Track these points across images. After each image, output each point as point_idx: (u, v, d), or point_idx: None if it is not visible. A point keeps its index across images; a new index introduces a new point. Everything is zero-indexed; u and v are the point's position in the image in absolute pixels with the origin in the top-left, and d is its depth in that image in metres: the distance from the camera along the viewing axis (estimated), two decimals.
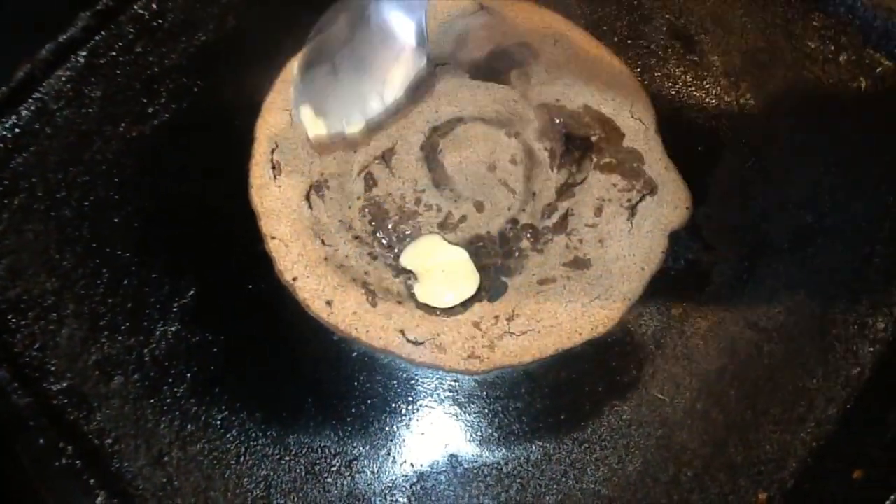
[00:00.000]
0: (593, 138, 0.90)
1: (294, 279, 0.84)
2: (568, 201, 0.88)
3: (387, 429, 0.80)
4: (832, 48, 0.96)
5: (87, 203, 0.88)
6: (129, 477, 0.78)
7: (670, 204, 0.87)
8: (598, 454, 0.80)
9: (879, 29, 0.95)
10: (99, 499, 0.76)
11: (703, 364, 0.83)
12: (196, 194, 0.89)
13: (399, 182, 0.88)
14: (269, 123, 0.91)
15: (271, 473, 0.78)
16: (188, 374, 0.81)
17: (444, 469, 0.79)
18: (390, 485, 0.78)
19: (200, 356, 0.82)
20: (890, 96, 0.93)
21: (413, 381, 0.82)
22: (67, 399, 0.80)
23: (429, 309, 0.83)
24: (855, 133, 0.92)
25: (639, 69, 0.96)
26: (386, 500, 0.78)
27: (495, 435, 0.80)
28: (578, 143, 0.90)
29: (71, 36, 0.95)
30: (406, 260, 0.84)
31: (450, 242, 0.85)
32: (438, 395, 0.81)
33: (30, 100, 0.92)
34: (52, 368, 0.81)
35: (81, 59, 0.95)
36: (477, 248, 0.85)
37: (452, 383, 0.82)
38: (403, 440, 0.80)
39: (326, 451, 0.79)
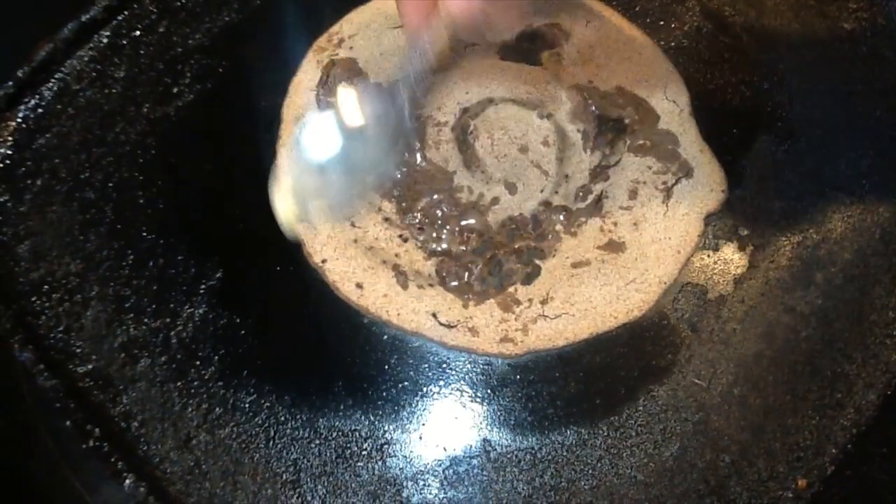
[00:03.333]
0: (627, 120, 0.89)
1: (323, 261, 0.82)
2: (602, 183, 0.86)
3: (418, 412, 0.79)
4: (867, 29, 0.94)
5: (110, 184, 0.86)
6: (157, 460, 0.76)
7: (706, 187, 0.86)
8: (633, 439, 0.78)
9: None
10: (127, 482, 0.75)
11: (739, 349, 0.81)
12: (222, 176, 0.87)
13: (429, 164, 0.86)
14: (297, 104, 0.90)
15: (301, 457, 0.77)
16: (215, 357, 0.80)
17: (476, 453, 0.77)
18: (422, 469, 0.77)
19: (228, 339, 0.81)
20: None
21: (445, 365, 0.80)
22: (93, 381, 0.79)
23: (461, 292, 0.81)
24: (892, 114, 0.90)
25: (672, 51, 0.94)
26: (418, 484, 0.76)
27: (529, 419, 0.79)
28: (612, 125, 0.89)
29: (93, 15, 0.93)
30: None
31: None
32: (471, 378, 0.80)
33: (52, 80, 0.91)
34: (77, 351, 0.80)
35: (104, 39, 0.93)
36: (510, 231, 0.83)
37: (485, 367, 0.80)
38: (435, 424, 0.78)
39: (357, 434, 0.78)
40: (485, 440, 0.78)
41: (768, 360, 0.81)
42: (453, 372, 0.80)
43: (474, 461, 0.77)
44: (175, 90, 0.91)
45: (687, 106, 0.90)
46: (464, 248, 0.84)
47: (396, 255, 0.84)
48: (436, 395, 0.79)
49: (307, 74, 0.92)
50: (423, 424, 0.78)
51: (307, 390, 0.79)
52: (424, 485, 0.76)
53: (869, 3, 0.96)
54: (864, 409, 0.80)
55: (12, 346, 0.79)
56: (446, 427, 0.78)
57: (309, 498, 0.76)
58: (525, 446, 0.78)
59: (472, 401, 0.79)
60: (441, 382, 0.80)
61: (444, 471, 0.77)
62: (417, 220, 0.85)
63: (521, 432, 0.78)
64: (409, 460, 0.77)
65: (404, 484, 0.76)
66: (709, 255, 0.85)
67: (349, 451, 0.77)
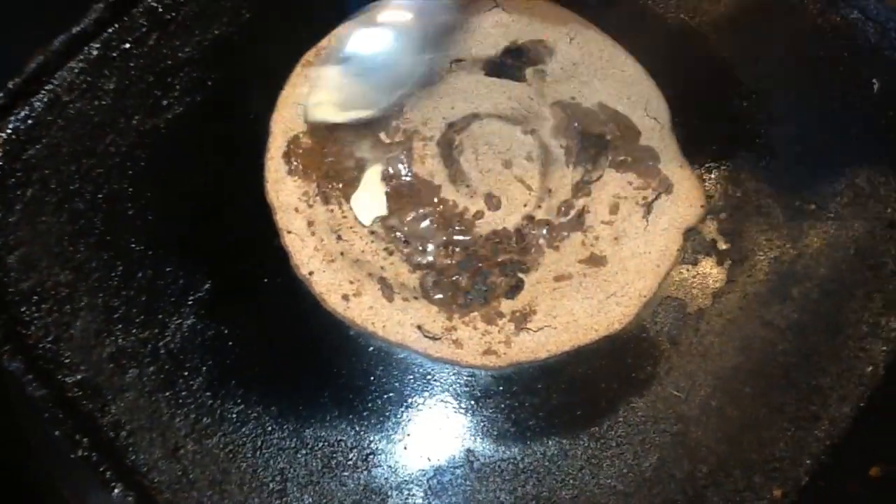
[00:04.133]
0: (608, 136, 0.90)
1: (310, 273, 0.84)
2: (584, 198, 0.88)
3: (403, 423, 0.80)
4: (846, 49, 0.97)
5: (100, 195, 0.87)
6: (145, 469, 0.77)
7: (685, 202, 0.88)
8: (613, 450, 0.80)
9: (893, 32, 0.95)
10: (116, 491, 0.76)
11: (718, 361, 0.83)
12: (211, 188, 0.88)
13: (415, 178, 0.88)
14: (285, 118, 0.91)
15: (287, 467, 0.78)
16: (203, 368, 0.81)
17: (460, 464, 0.79)
18: (407, 479, 0.78)
19: (216, 349, 0.82)
20: None
21: (429, 376, 0.82)
22: (82, 391, 0.80)
23: (446, 304, 0.83)
24: (874, 133, 0.92)
25: (654, 68, 0.95)
26: (402, 493, 0.78)
27: (511, 430, 0.80)
28: (594, 141, 0.91)
29: (84, 28, 0.94)
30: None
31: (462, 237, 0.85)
32: (455, 390, 0.81)
33: (42, 91, 0.91)
34: (67, 360, 0.81)
35: (95, 51, 0.94)
36: (494, 244, 0.85)
37: (469, 378, 0.82)
38: (420, 434, 0.80)
39: (343, 444, 0.79)
40: (468, 450, 0.79)
41: (746, 372, 0.83)
42: (438, 383, 0.82)
43: (458, 471, 0.79)
44: (165, 102, 0.92)
45: (668, 123, 0.92)
46: (449, 262, 0.85)
47: (382, 268, 0.85)
48: (420, 406, 0.81)
49: (295, 88, 0.93)
50: (408, 435, 0.80)
51: (294, 401, 0.80)
52: (409, 494, 0.78)
53: (848, 25, 0.98)
54: (839, 420, 0.82)
55: (2, 355, 0.80)
56: (431, 437, 0.80)
57: None
58: (508, 456, 0.79)
59: (455, 412, 0.81)
60: (426, 394, 0.81)
61: (428, 480, 0.78)
62: (403, 234, 0.86)
63: (503, 443, 0.80)
64: (394, 470, 0.79)
65: (389, 493, 0.78)
66: (688, 270, 0.87)
67: (335, 461, 0.78)
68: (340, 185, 0.88)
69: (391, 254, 0.85)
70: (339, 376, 0.81)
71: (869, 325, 0.85)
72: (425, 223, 0.86)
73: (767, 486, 0.79)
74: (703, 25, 0.99)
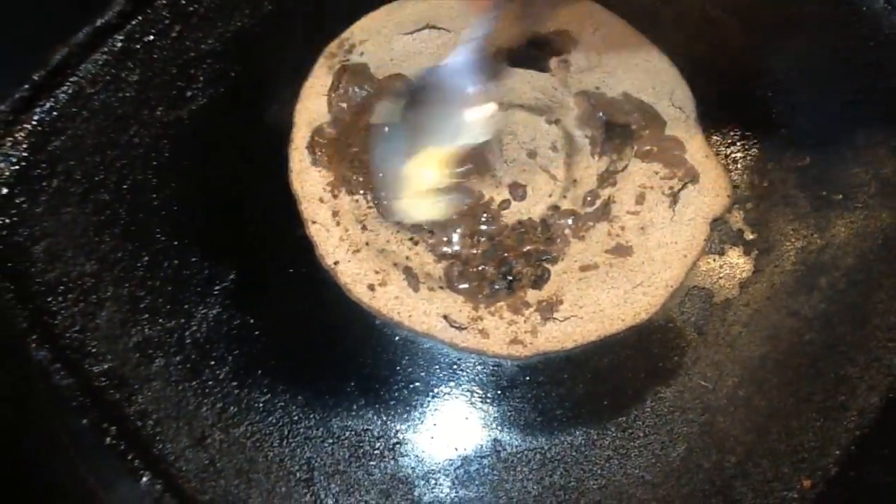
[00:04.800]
0: (634, 126, 0.90)
1: (335, 263, 0.84)
2: (609, 188, 0.88)
3: (429, 413, 0.80)
4: (870, 38, 0.96)
5: (124, 186, 0.88)
6: (172, 458, 0.78)
7: (711, 192, 0.87)
8: (640, 440, 0.79)
9: None
10: (143, 479, 0.76)
11: (745, 351, 0.82)
12: (235, 179, 0.88)
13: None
14: (308, 109, 0.91)
15: (314, 456, 0.78)
16: (229, 357, 0.81)
17: (487, 453, 0.79)
18: (433, 468, 0.78)
19: (241, 339, 0.82)
20: None
21: (455, 366, 0.82)
22: (108, 381, 0.80)
23: (472, 294, 0.82)
24: (894, 121, 0.91)
25: (678, 58, 0.95)
26: (429, 483, 0.77)
27: (538, 420, 0.80)
28: (619, 131, 0.90)
29: (107, 20, 0.95)
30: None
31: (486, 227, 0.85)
32: (481, 379, 0.81)
33: (66, 83, 0.92)
34: (93, 350, 0.81)
35: (118, 44, 0.94)
36: (519, 234, 0.85)
37: (495, 368, 0.82)
38: (446, 424, 0.79)
39: (369, 434, 0.79)
40: (495, 440, 0.79)
41: (773, 362, 0.82)
42: (464, 373, 0.82)
43: (485, 461, 0.79)
44: (188, 94, 0.92)
45: (693, 112, 0.92)
46: (474, 252, 0.85)
47: (407, 258, 0.85)
48: (447, 396, 0.81)
49: (319, 80, 0.93)
50: (435, 424, 0.80)
51: (320, 390, 0.80)
52: (436, 484, 0.78)
53: (873, 14, 0.97)
54: (867, 411, 0.81)
55: (29, 345, 0.80)
56: (457, 427, 0.80)
57: (322, 496, 0.77)
58: (535, 446, 0.79)
59: (482, 401, 0.81)
60: (452, 383, 0.81)
61: (455, 470, 0.78)
62: (428, 224, 0.86)
63: (530, 433, 0.80)
64: (420, 460, 0.78)
65: (416, 483, 0.78)
66: (714, 260, 0.86)
67: (361, 451, 0.78)
68: (365, 176, 0.87)
69: (416, 244, 0.85)
70: (365, 366, 0.81)
71: None
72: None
73: (796, 476, 0.79)
74: (727, 15, 0.98)
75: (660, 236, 0.86)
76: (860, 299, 0.85)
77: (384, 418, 0.79)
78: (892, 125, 0.93)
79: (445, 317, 0.82)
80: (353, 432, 0.79)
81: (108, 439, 0.77)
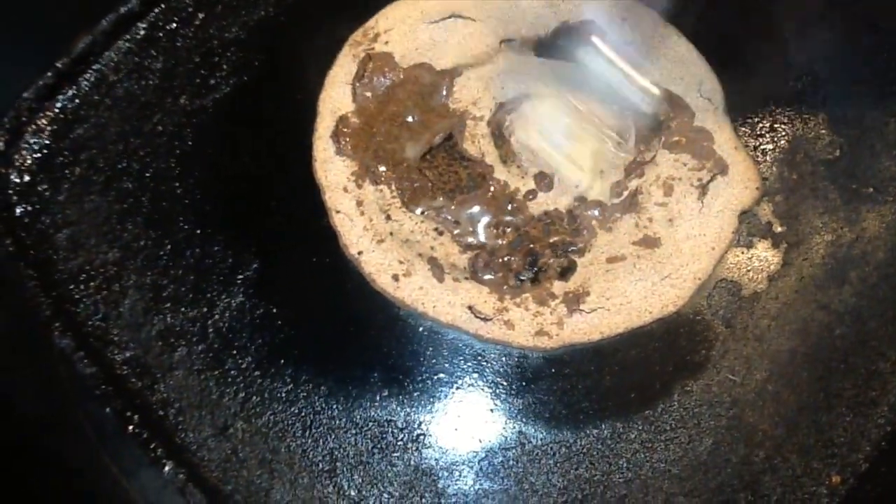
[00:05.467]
0: (662, 117, 0.89)
1: (359, 253, 0.83)
2: (637, 180, 0.87)
3: (454, 404, 0.79)
4: None
5: (147, 174, 0.87)
6: (195, 448, 0.77)
7: (740, 184, 0.86)
8: (667, 434, 0.79)
9: None
10: (166, 468, 0.76)
11: (773, 345, 0.82)
12: (259, 167, 0.88)
13: (466, 158, 0.87)
14: (332, 98, 0.90)
15: (337, 447, 0.77)
16: (252, 347, 0.80)
17: (512, 445, 0.78)
18: (457, 460, 0.77)
19: (264, 329, 0.81)
20: None
21: (480, 357, 0.81)
22: (131, 369, 0.80)
23: (497, 285, 0.82)
24: None
25: (707, 48, 0.94)
26: (453, 475, 0.77)
27: (564, 413, 0.79)
28: (647, 122, 0.89)
29: (131, 8, 0.94)
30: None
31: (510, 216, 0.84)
32: (506, 371, 0.80)
33: (90, 71, 0.91)
34: (116, 338, 0.81)
35: (141, 32, 0.94)
36: (545, 225, 0.84)
37: (520, 360, 0.81)
38: (470, 416, 0.79)
39: (393, 425, 0.78)
40: (520, 432, 0.78)
41: (802, 356, 0.81)
42: (488, 364, 0.81)
43: (509, 453, 0.78)
44: (211, 82, 0.92)
45: (721, 103, 0.91)
46: (500, 242, 0.84)
47: (432, 248, 0.84)
48: (471, 388, 0.80)
49: (343, 68, 0.92)
50: (459, 416, 0.79)
51: (343, 381, 0.80)
52: (459, 476, 0.77)
53: None
54: None
55: (52, 332, 0.80)
56: (481, 419, 0.79)
57: (345, 487, 0.76)
58: (560, 439, 0.78)
59: (507, 393, 0.80)
60: (476, 375, 0.80)
61: (479, 462, 0.77)
62: (452, 215, 0.85)
63: (556, 425, 0.79)
64: (444, 451, 0.78)
65: (440, 474, 0.77)
66: (743, 252, 0.85)
67: (385, 442, 0.78)
68: (390, 165, 0.86)
69: (441, 234, 0.84)
70: (389, 357, 0.81)
71: None
72: (476, 204, 0.85)
73: (826, 471, 0.78)
74: (755, 6, 0.97)
75: (688, 228, 0.85)
76: (891, 293, 0.84)
77: (408, 409, 0.78)
78: None
79: (470, 308, 0.81)
80: (376, 423, 0.78)
81: (131, 428, 0.77)
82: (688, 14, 0.96)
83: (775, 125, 0.91)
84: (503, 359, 0.81)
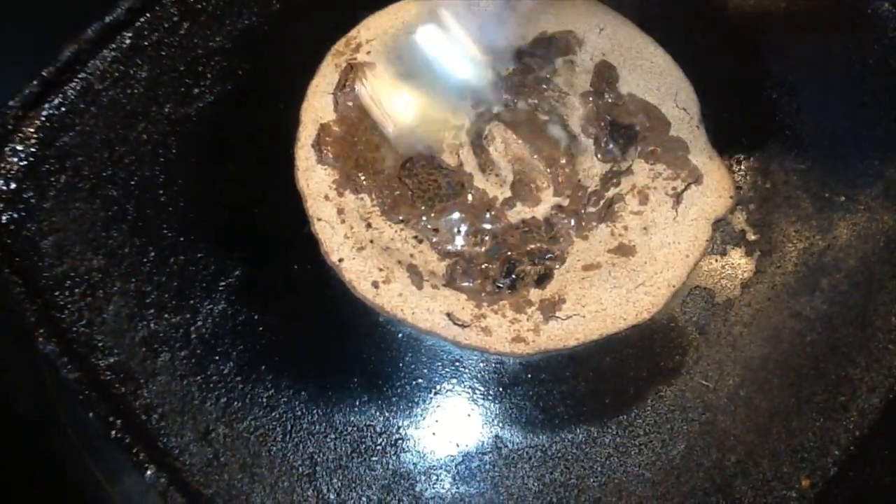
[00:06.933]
0: (638, 127, 0.90)
1: (340, 260, 0.84)
2: (613, 189, 0.88)
3: (432, 409, 0.80)
4: (875, 41, 0.97)
5: (132, 182, 0.88)
6: (177, 452, 0.78)
7: (715, 193, 0.88)
8: (641, 438, 0.80)
9: None
10: (148, 472, 0.76)
11: (746, 351, 0.83)
12: (242, 175, 0.89)
13: (445, 167, 0.88)
14: (315, 107, 0.92)
15: (317, 451, 0.79)
16: (234, 353, 0.82)
17: (488, 450, 0.79)
18: (435, 464, 0.79)
19: (246, 335, 0.83)
20: None
21: (458, 363, 0.82)
22: (114, 374, 0.81)
23: (475, 292, 0.83)
24: None
25: (683, 59, 0.95)
26: (430, 479, 0.78)
27: (540, 417, 0.80)
28: (623, 132, 0.91)
29: (116, 17, 0.95)
30: None
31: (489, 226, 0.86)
32: (483, 376, 0.82)
33: (75, 80, 0.92)
34: (100, 344, 0.82)
35: (127, 40, 0.95)
36: (523, 233, 0.85)
37: (497, 366, 0.82)
38: (448, 421, 0.80)
39: (372, 430, 0.79)
40: (496, 437, 0.80)
41: (774, 362, 0.83)
42: (466, 370, 0.82)
43: (486, 457, 0.79)
44: (196, 91, 0.93)
45: (697, 114, 0.92)
46: (478, 250, 0.85)
47: (411, 256, 0.86)
48: (449, 393, 0.81)
49: (325, 78, 0.93)
50: (437, 421, 0.80)
51: (323, 386, 0.81)
52: (437, 479, 0.78)
53: (879, 17, 0.98)
54: (868, 412, 0.82)
55: (36, 338, 0.81)
56: (459, 424, 0.80)
57: (324, 491, 0.77)
58: (536, 443, 0.80)
59: (484, 398, 0.81)
60: (454, 380, 0.82)
61: (456, 466, 0.79)
62: (432, 223, 0.86)
63: (532, 430, 0.80)
64: (422, 455, 0.79)
65: (417, 478, 0.78)
66: (717, 260, 0.87)
67: (364, 446, 0.79)
68: (370, 174, 0.88)
69: (420, 241, 0.86)
70: (369, 362, 0.82)
71: None
72: (455, 212, 0.86)
73: (796, 476, 0.80)
74: (732, 16, 0.99)
75: (662, 236, 0.86)
76: (862, 300, 0.85)
77: (387, 414, 0.80)
78: None
79: (449, 314, 0.82)
80: (355, 428, 0.79)
81: (114, 432, 0.78)
82: (665, 25, 0.97)
83: (749, 135, 0.92)
84: (481, 364, 0.82)
